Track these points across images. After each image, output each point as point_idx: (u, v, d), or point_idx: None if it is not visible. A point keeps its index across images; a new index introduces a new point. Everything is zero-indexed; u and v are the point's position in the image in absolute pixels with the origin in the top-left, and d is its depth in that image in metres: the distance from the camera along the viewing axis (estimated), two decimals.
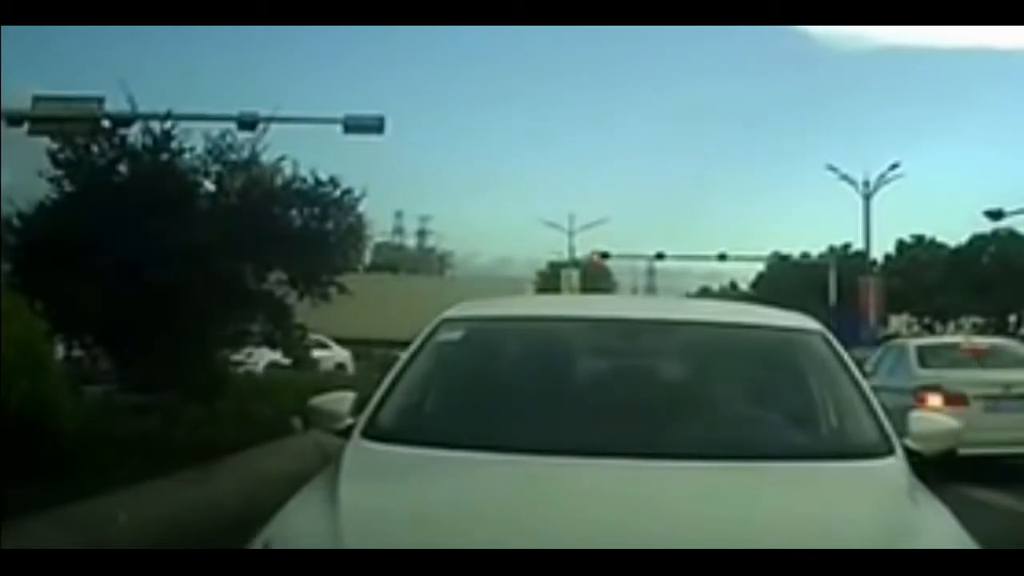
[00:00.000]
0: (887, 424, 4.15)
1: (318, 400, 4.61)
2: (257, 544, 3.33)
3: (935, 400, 13.20)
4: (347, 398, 4.52)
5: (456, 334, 4.64)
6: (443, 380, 4.54)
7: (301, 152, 16.40)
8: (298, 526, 3.37)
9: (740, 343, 4.63)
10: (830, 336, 4.66)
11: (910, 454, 4.13)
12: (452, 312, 4.84)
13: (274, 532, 3.33)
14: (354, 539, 3.14)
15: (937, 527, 3.53)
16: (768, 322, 4.85)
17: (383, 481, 3.77)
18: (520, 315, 5.03)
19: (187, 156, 14.37)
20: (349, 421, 4.30)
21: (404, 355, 4.52)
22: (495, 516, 3.37)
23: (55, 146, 14.32)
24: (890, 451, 4.02)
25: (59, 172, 13.97)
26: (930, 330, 59.98)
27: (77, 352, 13.66)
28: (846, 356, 4.56)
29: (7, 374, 7.72)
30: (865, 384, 4.42)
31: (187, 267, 12.48)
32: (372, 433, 4.05)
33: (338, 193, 14.95)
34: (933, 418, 4.73)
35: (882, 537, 3.29)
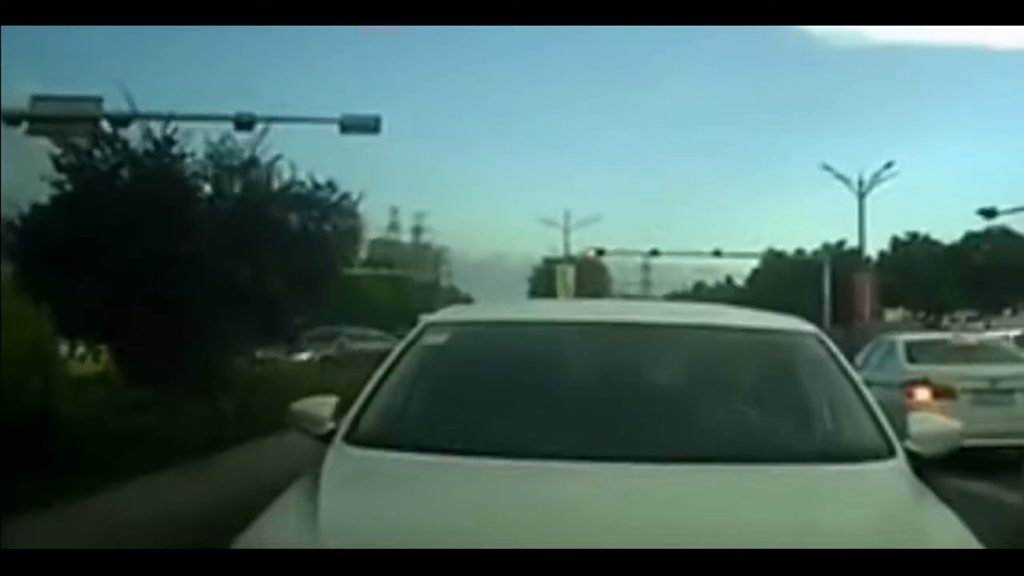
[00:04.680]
0: (887, 426, 4.10)
1: (299, 404, 4.53)
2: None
3: (923, 394, 13.45)
4: (329, 402, 4.45)
5: (441, 338, 4.62)
6: (426, 384, 4.48)
7: (298, 148, 16.61)
8: (276, 532, 3.32)
9: (735, 346, 4.56)
10: (824, 337, 4.63)
11: (911, 456, 4.06)
12: (436, 316, 4.93)
13: (250, 537, 3.31)
14: (333, 546, 3.11)
15: (942, 531, 3.48)
16: (761, 325, 4.82)
17: (364, 487, 3.70)
18: (505, 319, 4.96)
19: (188, 161, 14.57)
20: (331, 425, 4.25)
21: (387, 359, 4.51)
22: (476, 524, 3.28)
23: (58, 151, 14.49)
24: (891, 453, 3.98)
25: (62, 176, 14.15)
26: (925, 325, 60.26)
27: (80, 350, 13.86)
28: (842, 357, 4.53)
29: (20, 374, 7.90)
30: (863, 385, 4.38)
31: (188, 269, 12.67)
32: (354, 438, 4.04)
33: (336, 197, 15.19)
34: (933, 419, 4.61)
35: (885, 543, 3.25)
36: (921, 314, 64.91)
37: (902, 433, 4.21)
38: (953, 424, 4.56)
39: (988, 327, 40.29)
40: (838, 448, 4.06)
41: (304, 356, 24.35)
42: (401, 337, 5.03)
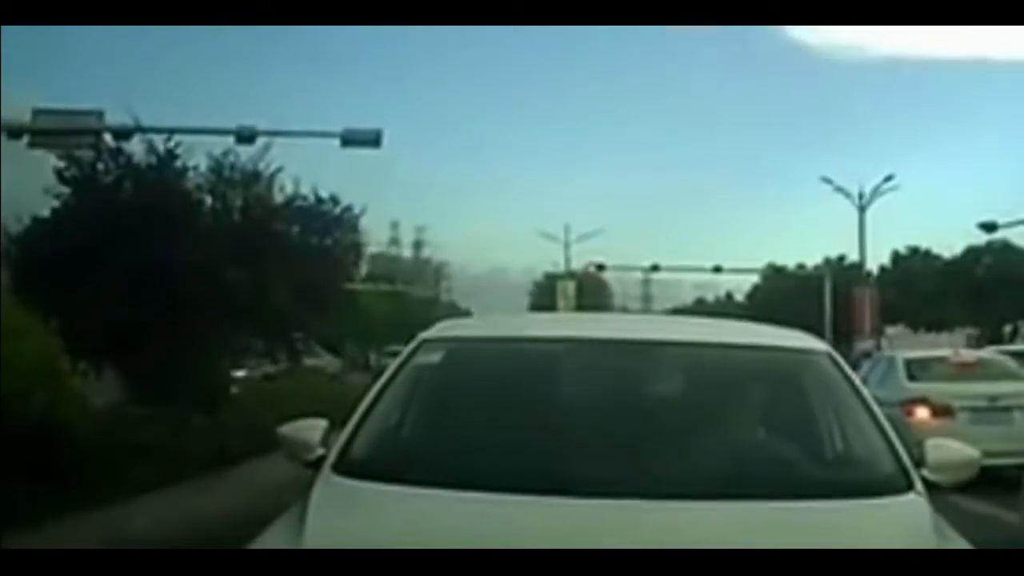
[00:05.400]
0: (904, 455, 3.92)
1: (287, 428, 4.21)
2: None
3: (922, 412, 13.53)
4: (319, 426, 4.15)
5: (436, 356, 4.39)
6: (420, 408, 4.30)
7: (300, 162, 16.71)
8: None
9: (741, 366, 4.38)
10: (837, 356, 4.46)
11: (928, 486, 3.87)
12: (433, 332, 4.63)
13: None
14: None
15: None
16: (772, 342, 4.59)
17: (353, 522, 3.51)
18: (505, 336, 4.69)
19: (191, 175, 14.66)
20: (320, 452, 3.99)
21: (381, 379, 4.30)
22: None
23: (61, 164, 14.55)
24: (909, 486, 3.79)
25: (65, 189, 14.22)
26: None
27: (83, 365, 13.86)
28: (856, 378, 4.39)
29: (24, 386, 7.94)
30: (878, 409, 4.17)
31: (191, 282, 12.73)
32: (343, 467, 3.79)
33: (338, 211, 15.30)
34: (952, 446, 4.26)
35: None
36: (921, 330, 65.01)
37: (910, 447, 4.13)
38: (972, 451, 4.27)
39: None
40: (853, 481, 3.87)
41: (241, 373, 23.27)
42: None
